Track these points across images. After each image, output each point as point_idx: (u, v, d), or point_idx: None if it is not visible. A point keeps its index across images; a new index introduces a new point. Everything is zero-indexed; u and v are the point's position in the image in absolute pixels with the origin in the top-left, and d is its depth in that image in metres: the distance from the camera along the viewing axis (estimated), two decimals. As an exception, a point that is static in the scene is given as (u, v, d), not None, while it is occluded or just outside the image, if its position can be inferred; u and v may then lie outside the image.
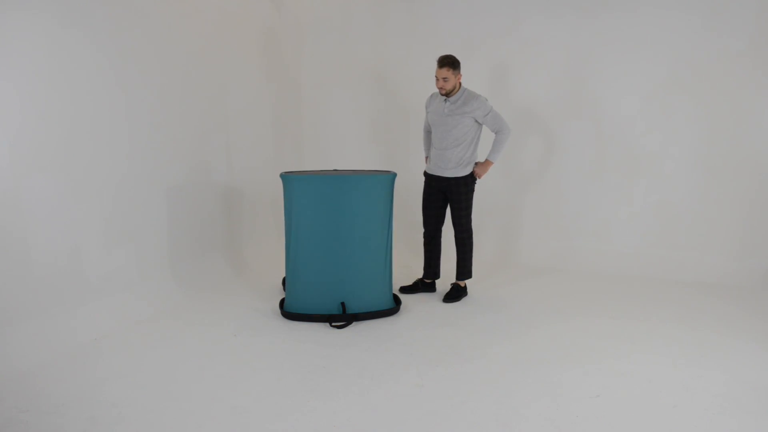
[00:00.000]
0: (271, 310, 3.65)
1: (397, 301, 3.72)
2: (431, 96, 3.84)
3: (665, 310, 3.69)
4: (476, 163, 3.75)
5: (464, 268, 3.89)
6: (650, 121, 4.44)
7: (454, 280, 3.98)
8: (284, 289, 3.98)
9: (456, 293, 3.86)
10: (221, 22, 4.21)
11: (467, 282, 4.11)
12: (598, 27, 4.45)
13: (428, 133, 4.00)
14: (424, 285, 4.05)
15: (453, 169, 3.69)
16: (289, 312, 3.49)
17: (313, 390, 2.62)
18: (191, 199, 4.02)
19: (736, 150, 4.26)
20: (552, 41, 4.59)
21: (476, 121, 3.64)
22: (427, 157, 4.00)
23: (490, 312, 3.66)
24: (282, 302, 3.63)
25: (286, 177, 3.48)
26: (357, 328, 3.37)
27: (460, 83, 3.64)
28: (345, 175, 3.44)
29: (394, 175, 3.58)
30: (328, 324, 3.41)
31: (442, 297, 3.89)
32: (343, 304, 3.43)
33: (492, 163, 3.72)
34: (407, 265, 4.72)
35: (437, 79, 3.57)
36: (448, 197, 3.80)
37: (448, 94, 3.62)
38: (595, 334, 3.30)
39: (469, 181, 3.74)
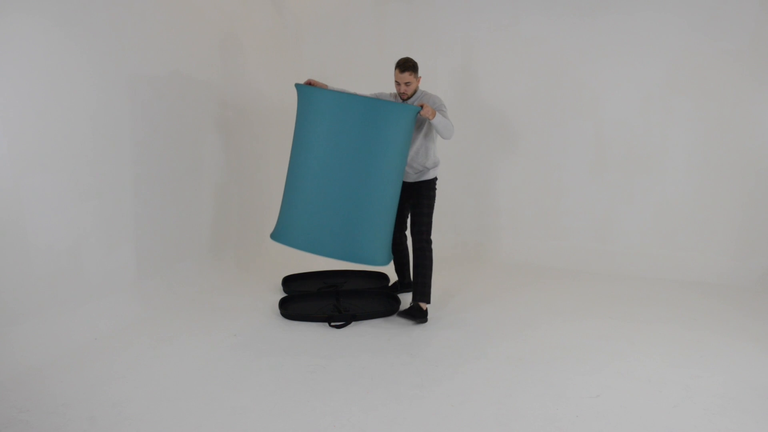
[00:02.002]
0: (271, 310, 3.65)
1: (397, 301, 3.72)
2: (384, 95, 3.58)
3: (665, 310, 3.69)
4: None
5: (424, 287, 3.46)
6: (650, 121, 4.44)
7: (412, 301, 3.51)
8: (284, 290, 3.99)
9: (414, 312, 3.41)
10: (221, 22, 4.21)
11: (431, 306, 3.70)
12: (598, 27, 4.45)
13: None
14: (404, 286, 4.01)
15: (433, 169, 3.57)
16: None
17: (313, 390, 2.62)
18: (191, 199, 4.02)
19: (735, 150, 4.26)
20: (551, 41, 4.59)
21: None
22: (319, 83, 3.42)
23: (489, 312, 3.65)
24: (282, 302, 3.62)
25: (303, 88, 3.18)
26: (357, 328, 3.37)
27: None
28: (373, 98, 3.10)
29: (420, 108, 3.17)
30: (327, 324, 3.41)
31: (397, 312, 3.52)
32: (339, 302, 3.40)
33: (435, 115, 3.21)
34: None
35: (398, 84, 3.38)
36: (416, 200, 3.54)
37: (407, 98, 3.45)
38: (595, 334, 3.30)
39: (436, 183, 3.62)
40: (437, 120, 3.26)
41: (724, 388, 2.68)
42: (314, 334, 3.27)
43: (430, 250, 3.52)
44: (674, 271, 4.43)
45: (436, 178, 3.62)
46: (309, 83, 3.38)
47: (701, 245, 4.44)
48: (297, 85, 3.25)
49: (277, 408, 2.46)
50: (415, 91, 3.45)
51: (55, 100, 2.97)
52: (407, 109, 3.12)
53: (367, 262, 3.22)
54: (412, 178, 3.56)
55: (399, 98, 3.50)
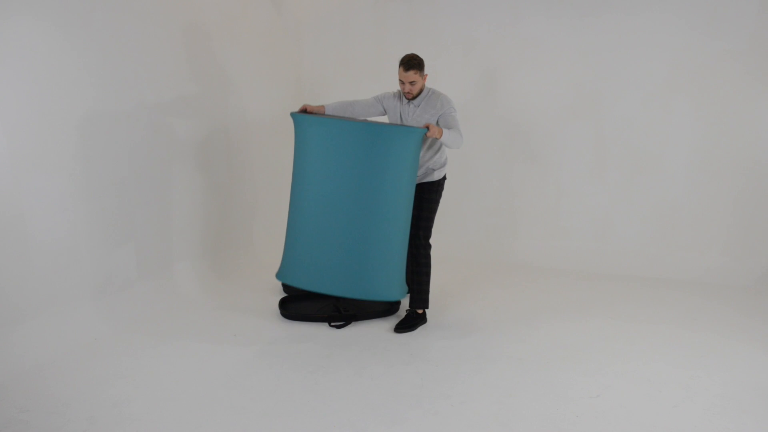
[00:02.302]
0: (271, 310, 3.65)
1: (397, 301, 3.71)
2: (387, 95, 3.37)
3: (665, 310, 3.69)
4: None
5: (420, 293, 3.38)
6: (650, 121, 4.44)
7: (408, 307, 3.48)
8: (284, 290, 3.99)
9: (411, 321, 3.37)
10: (221, 22, 4.21)
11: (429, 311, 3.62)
12: (599, 27, 4.45)
13: (350, 106, 3.39)
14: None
15: (440, 170, 3.39)
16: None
17: (313, 390, 2.62)
18: (191, 199, 4.02)
19: (735, 150, 4.26)
20: (552, 41, 4.59)
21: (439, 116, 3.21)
22: (315, 108, 3.25)
23: (490, 312, 3.65)
24: (282, 302, 3.62)
25: (299, 117, 2.96)
26: (357, 328, 3.37)
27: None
28: (374, 124, 2.87)
29: (425, 130, 2.99)
30: (327, 324, 3.41)
31: (393, 327, 3.38)
32: (339, 302, 3.38)
33: (442, 133, 3.03)
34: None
35: (403, 83, 3.13)
36: (417, 202, 3.32)
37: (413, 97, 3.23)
38: (595, 334, 3.30)
39: (441, 185, 3.41)
40: (445, 137, 3.04)
41: (724, 388, 2.68)
42: (314, 334, 3.27)
43: (427, 256, 3.37)
44: (674, 271, 4.43)
45: (443, 179, 3.41)
46: (304, 110, 3.21)
47: (701, 245, 4.44)
48: (293, 114, 3.06)
49: (277, 408, 2.46)
50: (421, 90, 3.22)
51: (54, 101, 2.97)
52: (412, 132, 2.92)
53: (381, 297, 3.05)
54: (434, 176, 3.36)
55: (404, 98, 3.28)
